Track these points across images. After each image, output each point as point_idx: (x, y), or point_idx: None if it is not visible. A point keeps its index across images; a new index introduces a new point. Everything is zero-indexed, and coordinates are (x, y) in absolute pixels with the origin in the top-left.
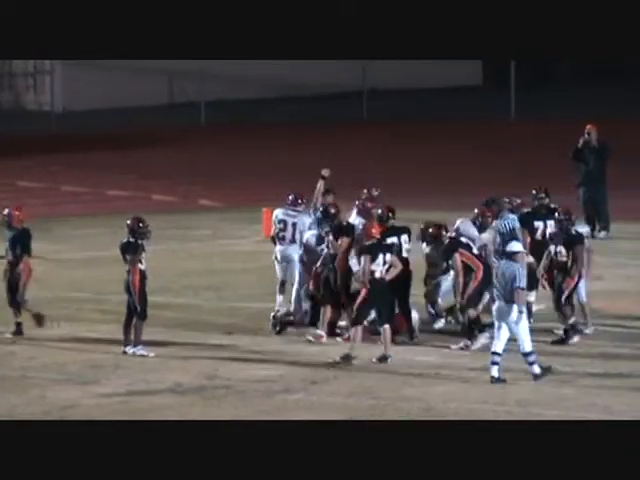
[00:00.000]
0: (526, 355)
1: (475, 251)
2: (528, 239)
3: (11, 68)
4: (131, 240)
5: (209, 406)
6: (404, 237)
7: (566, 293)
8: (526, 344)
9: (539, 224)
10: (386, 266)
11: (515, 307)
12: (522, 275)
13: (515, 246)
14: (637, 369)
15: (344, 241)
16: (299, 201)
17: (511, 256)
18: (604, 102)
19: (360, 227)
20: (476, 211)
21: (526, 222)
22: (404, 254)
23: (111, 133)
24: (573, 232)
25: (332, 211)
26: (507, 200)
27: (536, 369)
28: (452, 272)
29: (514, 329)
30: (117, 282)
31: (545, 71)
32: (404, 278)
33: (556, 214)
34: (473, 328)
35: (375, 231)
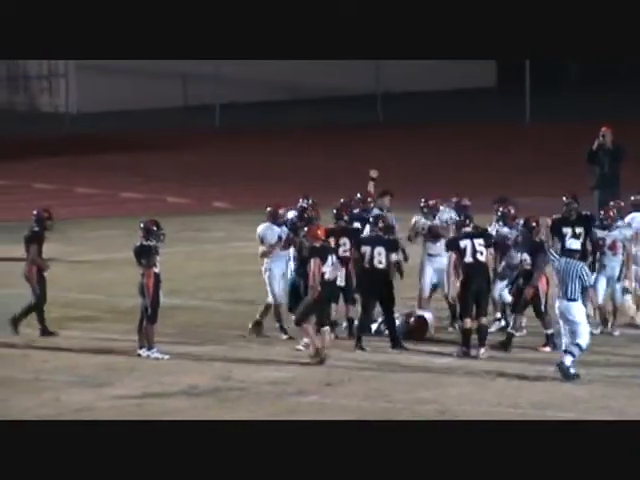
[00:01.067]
0: (574, 345)
1: (468, 259)
2: (559, 245)
3: (26, 71)
4: (145, 243)
5: (223, 408)
6: (378, 249)
7: (543, 301)
8: (584, 339)
9: (567, 230)
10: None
11: (575, 304)
12: (588, 273)
13: (574, 244)
14: None
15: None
16: (307, 202)
17: (571, 254)
18: (619, 104)
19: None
20: (502, 209)
21: (555, 228)
22: (377, 264)
23: (125, 135)
24: (537, 240)
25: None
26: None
27: (568, 361)
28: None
29: (573, 326)
30: (131, 284)
31: (559, 73)
32: (387, 289)
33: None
34: (467, 337)
35: (321, 233)
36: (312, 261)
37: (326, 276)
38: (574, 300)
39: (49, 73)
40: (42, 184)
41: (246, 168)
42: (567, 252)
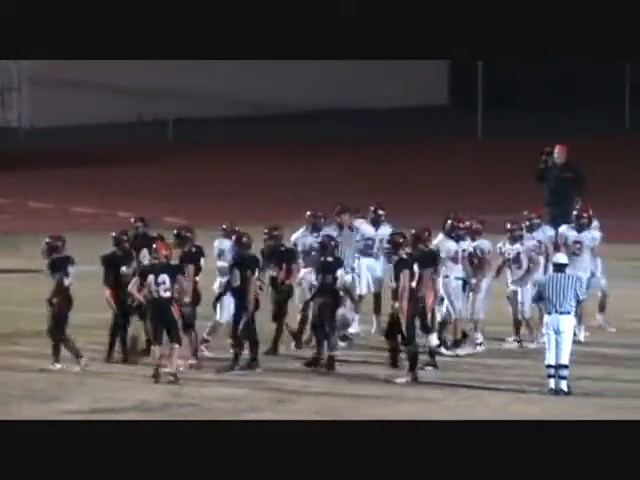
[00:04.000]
0: (562, 367)
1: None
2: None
3: None
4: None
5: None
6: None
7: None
8: (566, 357)
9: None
10: (167, 285)
11: (566, 318)
12: (583, 286)
13: (561, 258)
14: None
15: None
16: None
17: (560, 268)
18: (571, 122)
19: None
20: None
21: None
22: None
23: (79, 150)
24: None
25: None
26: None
27: (564, 386)
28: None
29: (559, 338)
30: (82, 298)
31: (511, 90)
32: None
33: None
34: (414, 360)
35: (165, 252)
36: (146, 278)
37: (154, 295)
38: (567, 313)
39: (2, 87)
40: None
41: (199, 183)
42: (556, 267)
